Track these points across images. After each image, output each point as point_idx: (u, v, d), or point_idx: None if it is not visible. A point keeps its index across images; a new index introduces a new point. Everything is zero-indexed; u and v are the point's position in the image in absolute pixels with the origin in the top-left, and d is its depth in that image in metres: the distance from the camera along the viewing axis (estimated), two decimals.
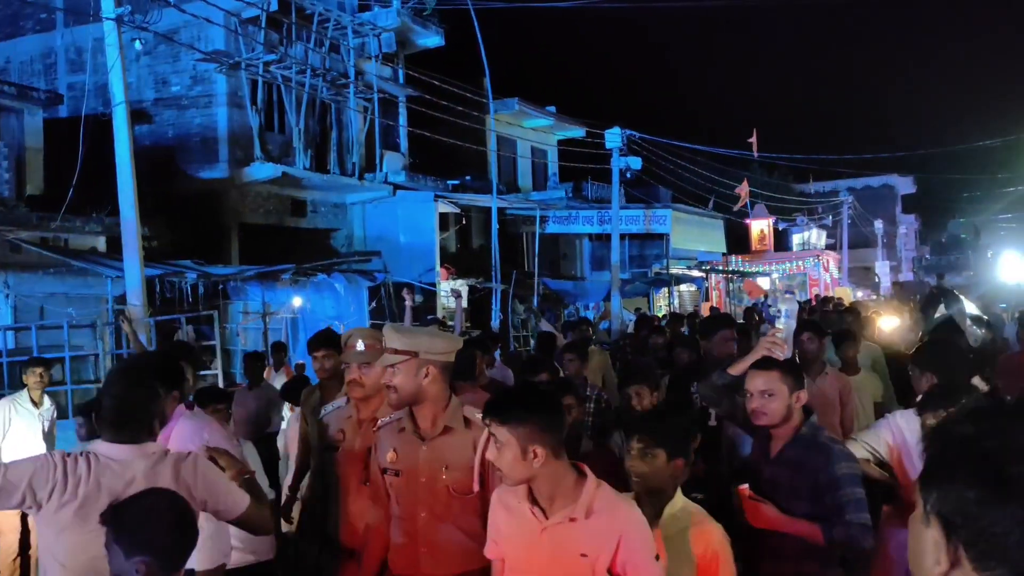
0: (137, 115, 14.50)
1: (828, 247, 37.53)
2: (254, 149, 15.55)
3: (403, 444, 3.00)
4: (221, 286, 12.79)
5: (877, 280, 38.24)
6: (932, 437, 1.08)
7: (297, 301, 13.79)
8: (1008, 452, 0.96)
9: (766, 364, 3.29)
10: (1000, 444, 0.97)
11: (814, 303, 19.10)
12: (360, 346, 3.50)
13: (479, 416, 2.66)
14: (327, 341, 4.65)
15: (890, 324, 7.70)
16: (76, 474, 2.41)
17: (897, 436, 3.51)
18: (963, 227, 50.58)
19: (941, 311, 5.49)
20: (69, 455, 2.47)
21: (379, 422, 3.17)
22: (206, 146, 15.66)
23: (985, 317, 5.68)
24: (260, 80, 15.73)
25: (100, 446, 2.53)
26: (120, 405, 2.57)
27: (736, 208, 29.44)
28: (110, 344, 10.85)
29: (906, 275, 42.30)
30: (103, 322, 10.91)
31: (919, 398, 3.43)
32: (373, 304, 15.62)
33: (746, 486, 3.06)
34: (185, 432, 3.49)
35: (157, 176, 13.63)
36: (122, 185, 9.29)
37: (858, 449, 3.50)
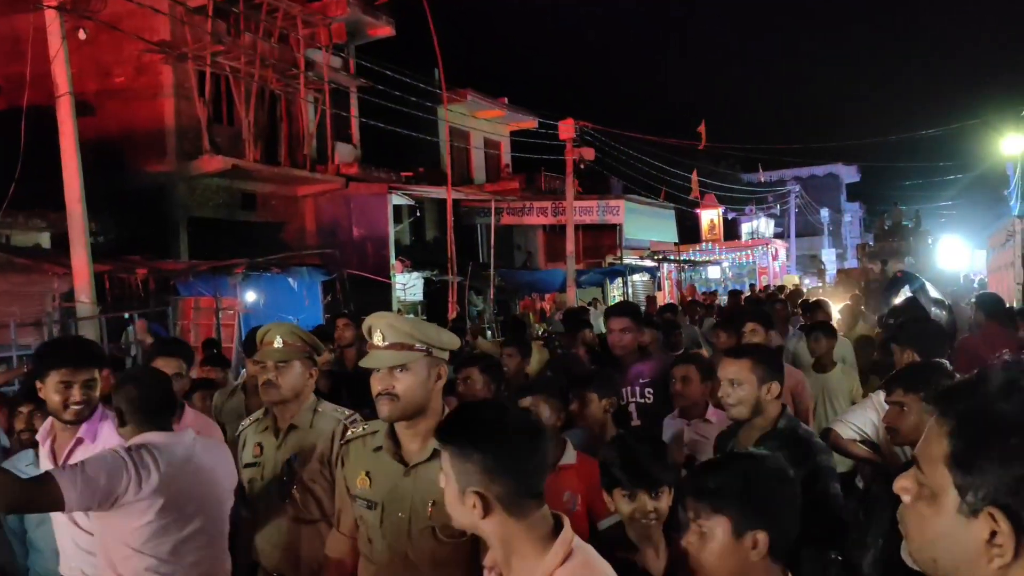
0: (79, 107, 14.07)
1: (776, 236, 38.21)
2: (203, 142, 15.20)
3: (379, 469, 2.39)
4: (172, 281, 12.51)
5: (823, 267, 39.06)
6: (963, 420, 0.98)
7: (250, 296, 13.57)
8: None
9: (739, 351, 3.22)
10: None
11: (762, 292, 19.18)
12: (278, 343, 3.11)
13: None
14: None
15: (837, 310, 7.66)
16: (146, 467, 2.62)
17: (881, 415, 3.56)
18: (905, 214, 51.80)
19: (905, 293, 5.57)
20: (130, 449, 2.67)
21: (347, 434, 2.57)
22: (153, 139, 15.25)
23: (947, 300, 5.81)
24: (208, 71, 15.38)
25: (151, 436, 2.75)
26: (164, 397, 2.89)
27: (691, 197, 29.76)
28: None
29: (851, 262, 43.26)
30: (50, 319, 10.59)
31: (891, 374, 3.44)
32: (328, 298, 15.45)
33: None
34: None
35: (102, 170, 13.23)
36: (68, 178, 9.02)
37: (844, 429, 3.55)
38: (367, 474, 2.42)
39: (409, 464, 2.36)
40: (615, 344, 4.49)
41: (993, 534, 0.95)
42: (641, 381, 4.41)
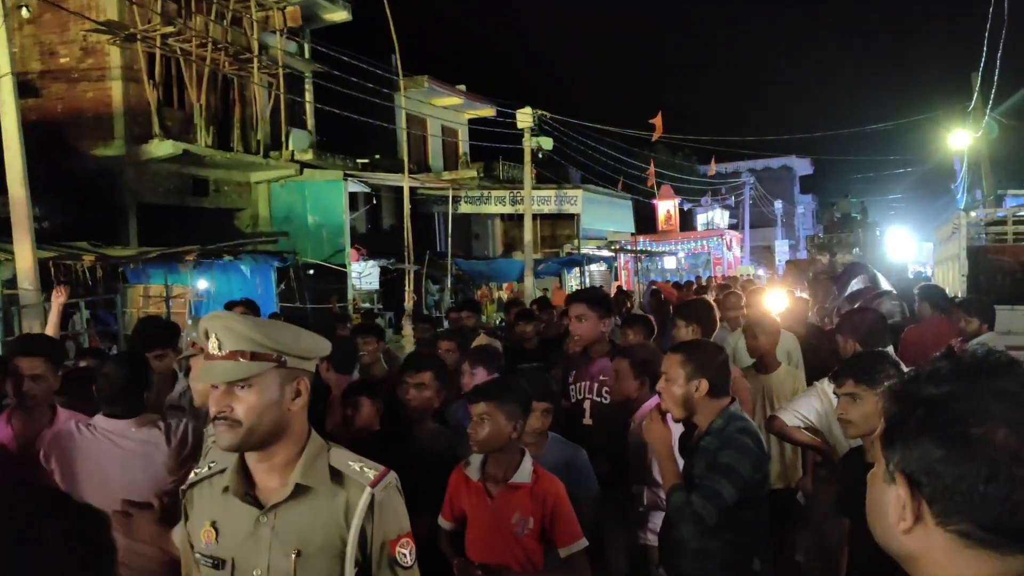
0: (23, 88, 13.66)
1: (731, 227, 38.65)
2: (152, 125, 14.85)
3: (228, 516, 1.91)
4: (120, 269, 12.22)
5: (776, 259, 39.65)
6: (894, 399, 1.10)
7: (202, 283, 13.32)
8: (971, 414, 1.00)
9: (675, 346, 3.14)
10: (964, 405, 1.01)
11: (700, 285, 18.73)
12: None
13: (357, 466, 1.90)
14: (165, 339, 4.19)
15: (780, 301, 7.11)
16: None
17: (825, 402, 3.60)
18: (853, 206, 52.84)
19: (858, 283, 5.63)
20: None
21: (191, 474, 2.04)
22: (100, 122, 14.86)
23: (894, 291, 5.90)
24: (158, 53, 15.02)
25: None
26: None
27: (648, 186, 29.95)
28: (0, 329, 10.24)
29: (803, 254, 43.96)
30: None
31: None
32: (282, 286, 15.25)
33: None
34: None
35: (46, 153, 12.87)
36: (10, 161, 8.72)
37: (789, 417, 3.58)
38: (213, 524, 1.92)
39: (265, 506, 1.86)
40: (572, 332, 4.29)
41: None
42: (602, 378, 4.11)
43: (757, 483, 2.85)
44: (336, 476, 1.89)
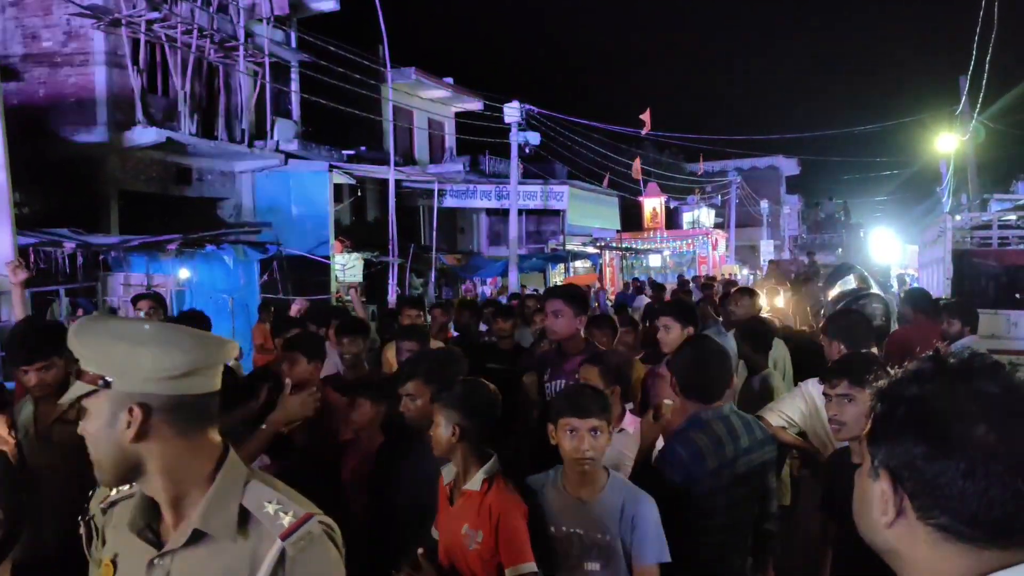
0: (4, 71, 13.46)
1: (717, 226, 38.76)
2: (136, 112, 14.67)
3: (128, 551, 1.62)
4: (102, 257, 12.08)
5: (761, 258, 39.80)
6: (880, 396, 1.15)
7: (184, 273, 13.20)
8: (953, 412, 1.06)
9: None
10: (945, 404, 1.07)
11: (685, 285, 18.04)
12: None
13: (272, 509, 1.55)
14: (50, 346, 3.29)
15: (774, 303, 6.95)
16: None
17: (810, 403, 3.59)
18: (836, 207, 53.20)
19: (845, 283, 5.60)
20: None
21: (111, 494, 1.72)
22: (82, 108, 14.66)
23: (881, 293, 5.88)
24: (143, 39, 14.84)
25: None
26: None
27: (639, 178, 29.96)
28: None
29: (787, 253, 44.17)
30: None
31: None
32: (265, 277, 15.13)
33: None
34: None
35: (27, 138, 12.68)
36: None
37: (774, 418, 3.56)
38: (113, 561, 1.64)
39: (164, 548, 1.56)
40: (548, 327, 4.23)
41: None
42: (577, 376, 3.86)
43: (688, 489, 2.81)
44: (245, 520, 1.54)
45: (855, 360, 3.10)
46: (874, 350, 3.96)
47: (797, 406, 3.61)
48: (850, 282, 5.53)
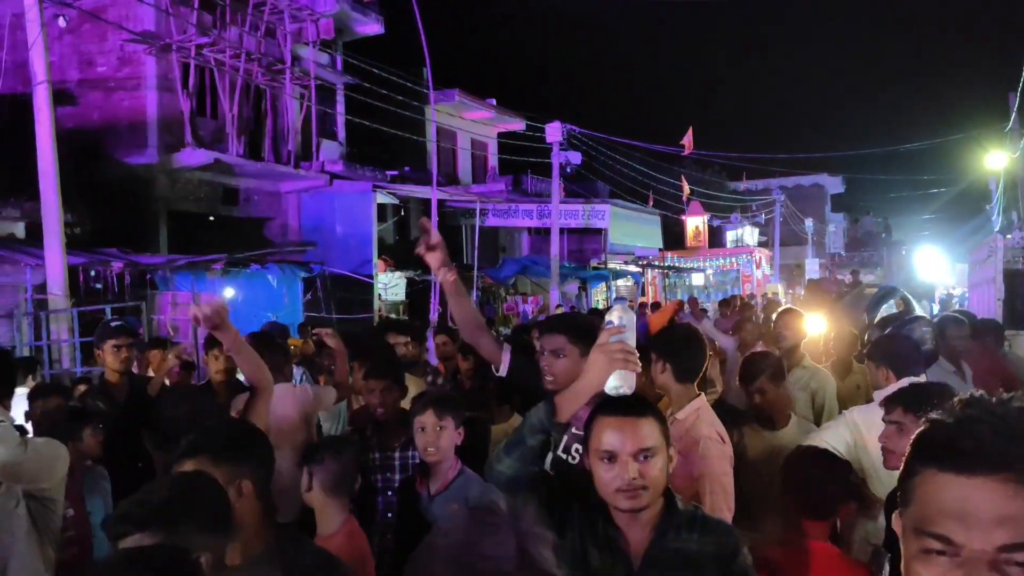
0: (60, 96, 13.87)
1: (760, 244, 38.30)
2: (185, 134, 15.03)
3: None
4: (149, 276, 12.33)
5: (806, 277, 39.18)
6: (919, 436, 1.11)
7: (229, 292, 13.41)
8: None
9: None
10: None
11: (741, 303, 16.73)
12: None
13: None
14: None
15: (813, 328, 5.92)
16: None
17: (855, 433, 3.48)
18: (877, 224, 52.09)
19: (888, 308, 5.46)
20: None
21: None
22: (134, 130, 15.05)
23: (927, 316, 5.73)
24: (192, 63, 15.21)
25: None
26: None
27: (684, 196, 29.74)
28: (28, 335, 10.35)
29: (822, 273, 43.44)
30: (21, 312, 10.40)
31: (887, 393, 3.31)
32: (308, 296, 15.31)
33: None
34: None
35: (81, 160, 13.06)
36: (43, 168, 8.85)
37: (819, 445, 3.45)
38: None
39: None
40: (545, 370, 2.95)
41: None
42: (573, 431, 2.85)
43: None
44: None
45: (918, 389, 3.00)
46: (923, 377, 3.84)
47: (842, 436, 3.48)
48: (893, 307, 5.34)
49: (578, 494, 2.12)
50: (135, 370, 5.27)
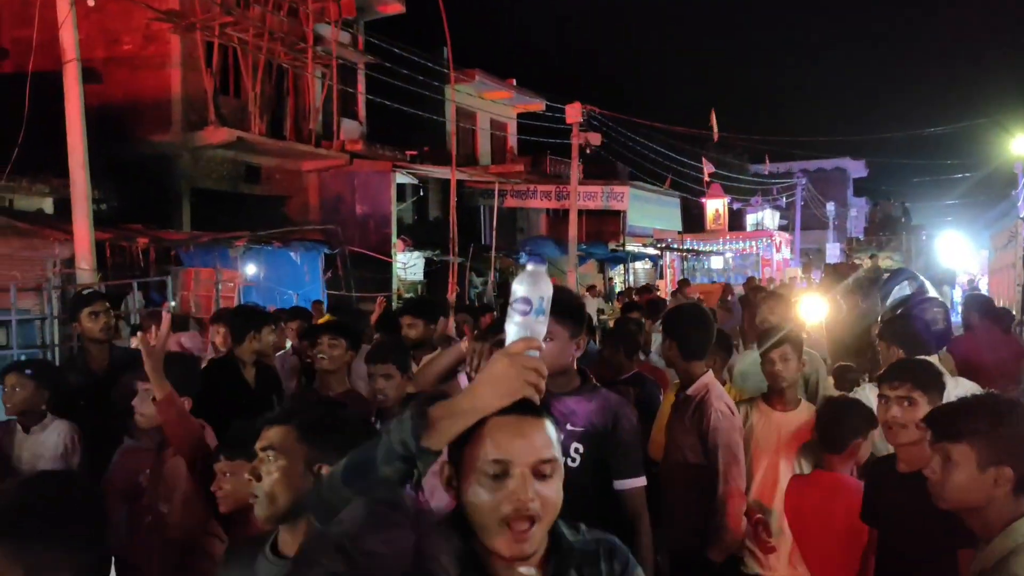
0: (86, 74, 14.00)
1: (781, 228, 38.11)
2: (208, 113, 15.18)
3: None
4: (173, 251, 12.53)
5: (826, 261, 38.96)
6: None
7: (251, 269, 13.59)
8: None
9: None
10: None
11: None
12: None
13: None
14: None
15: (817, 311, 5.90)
16: None
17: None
18: (896, 208, 51.47)
19: (901, 289, 5.49)
20: None
21: None
22: (159, 108, 15.22)
23: (941, 299, 5.75)
24: (216, 42, 15.34)
25: None
26: None
27: (704, 178, 29.58)
28: (57, 308, 10.57)
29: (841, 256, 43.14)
30: (50, 286, 10.62)
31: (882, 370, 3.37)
32: (328, 274, 15.48)
33: None
34: None
35: (106, 138, 13.22)
36: (72, 145, 9.02)
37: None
38: None
39: None
40: None
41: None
42: (569, 427, 2.67)
43: None
44: None
45: (922, 365, 3.05)
46: (934, 358, 3.89)
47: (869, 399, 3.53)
48: (906, 288, 5.36)
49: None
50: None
